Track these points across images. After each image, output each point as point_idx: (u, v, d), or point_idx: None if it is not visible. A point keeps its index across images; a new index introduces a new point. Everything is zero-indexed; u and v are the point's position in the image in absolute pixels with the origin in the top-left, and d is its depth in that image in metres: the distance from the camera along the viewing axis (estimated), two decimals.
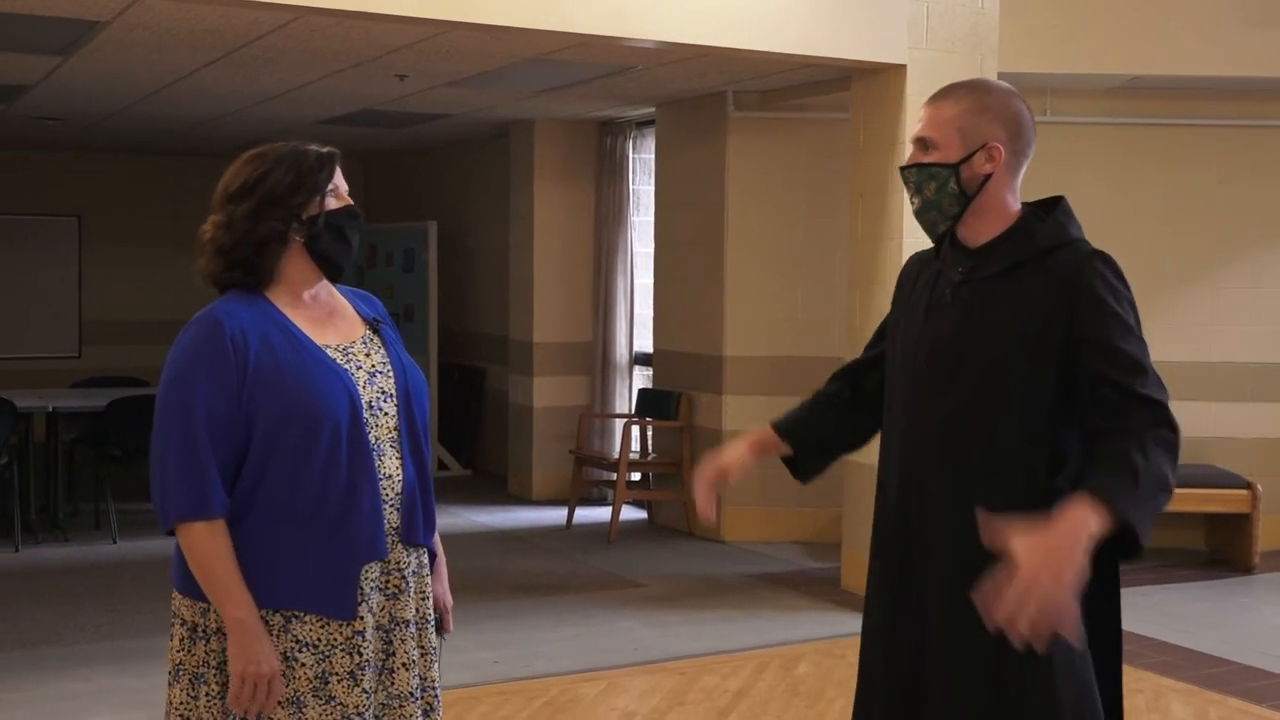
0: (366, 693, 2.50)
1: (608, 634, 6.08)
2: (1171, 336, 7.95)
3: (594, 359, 9.56)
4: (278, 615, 2.48)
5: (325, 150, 2.62)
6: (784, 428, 2.79)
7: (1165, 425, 2.28)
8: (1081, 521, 2.15)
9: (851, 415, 2.77)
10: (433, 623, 2.67)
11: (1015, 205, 2.51)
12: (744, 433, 2.80)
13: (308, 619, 2.48)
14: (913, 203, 2.54)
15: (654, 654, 5.77)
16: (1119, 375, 2.31)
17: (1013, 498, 2.38)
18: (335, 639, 2.49)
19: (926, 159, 2.49)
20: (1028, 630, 2.10)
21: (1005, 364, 2.41)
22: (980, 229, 2.50)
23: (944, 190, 2.47)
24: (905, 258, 6.26)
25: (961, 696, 2.44)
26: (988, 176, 2.47)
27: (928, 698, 2.48)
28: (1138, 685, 5.29)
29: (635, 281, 9.42)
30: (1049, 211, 2.51)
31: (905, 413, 2.55)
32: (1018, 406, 2.40)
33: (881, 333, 2.77)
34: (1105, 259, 2.41)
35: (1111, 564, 2.35)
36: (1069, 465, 2.38)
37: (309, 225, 2.55)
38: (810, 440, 2.78)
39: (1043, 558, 2.11)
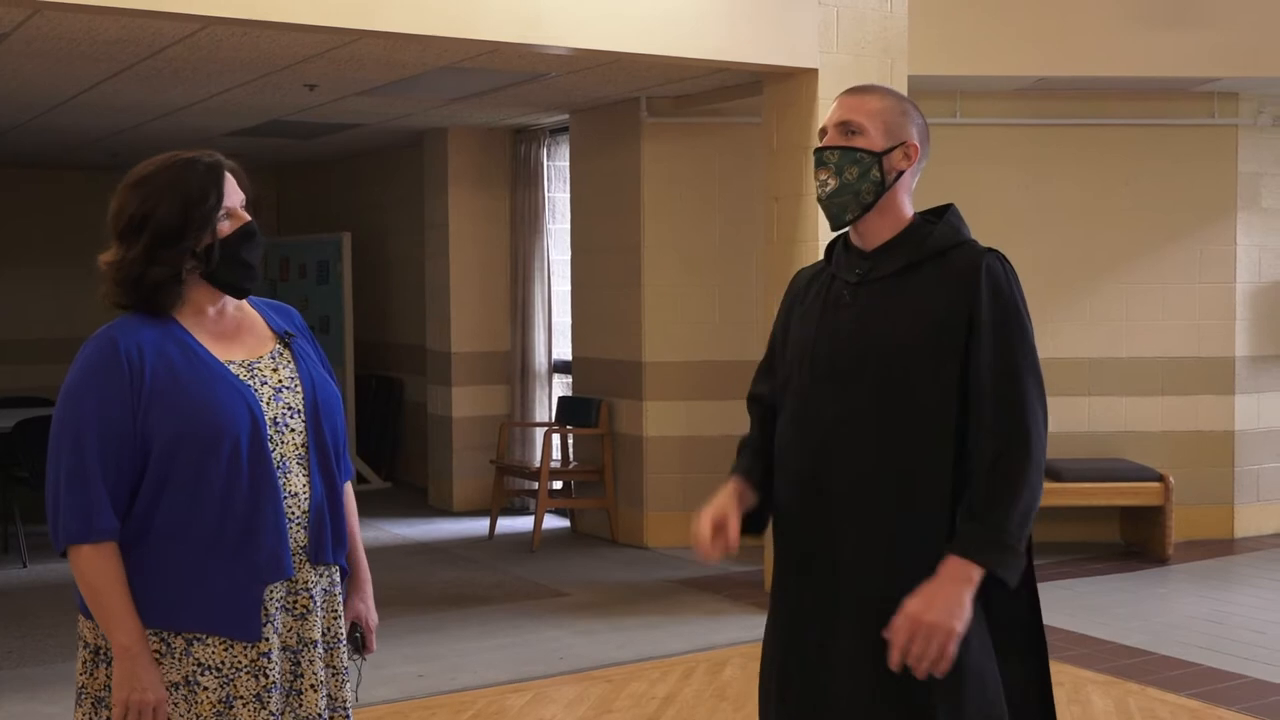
0: (273, 715, 2.45)
1: (533, 644, 6.05)
2: (1082, 333, 8.08)
3: (513, 367, 9.51)
4: (179, 638, 2.42)
5: (209, 164, 2.47)
6: (743, 469, 2.67)
7: (1025, 448, 2.39)
8: (962, 575, 2.35)
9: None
10: (344, 642, 2.62)
11: (910, 210, 2.58)
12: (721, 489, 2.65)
13: (210, 641, 2.42)
14: (826, 184, 2.53)
15: (580, 662, 5.75)
16: (999, 397, 2.39)
17: (917, 489, 2.44)
18: (239, 661, 2.43)
19: (852, 143, 2.52)
20: (919, 657, 2.34)
21: (907, 358, 2.45)
22: (879, 229, 2.55)
23: (865, 177, 2.51)
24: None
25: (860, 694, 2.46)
26: (899, 174, 2.53)
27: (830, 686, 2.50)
28: (1057, 678, 5.35)
29: (553, 289, 9.39)
30: (939, 217, 2.58)
31: (805, 410, 2.56)
32: (921, 400, 2.44)
33: (772, 347, 2.76)
34: (999, 256, 2.50)
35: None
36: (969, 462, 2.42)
37: (204, 258, 2.45)
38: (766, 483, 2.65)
39: (927, 601, 2.34)
